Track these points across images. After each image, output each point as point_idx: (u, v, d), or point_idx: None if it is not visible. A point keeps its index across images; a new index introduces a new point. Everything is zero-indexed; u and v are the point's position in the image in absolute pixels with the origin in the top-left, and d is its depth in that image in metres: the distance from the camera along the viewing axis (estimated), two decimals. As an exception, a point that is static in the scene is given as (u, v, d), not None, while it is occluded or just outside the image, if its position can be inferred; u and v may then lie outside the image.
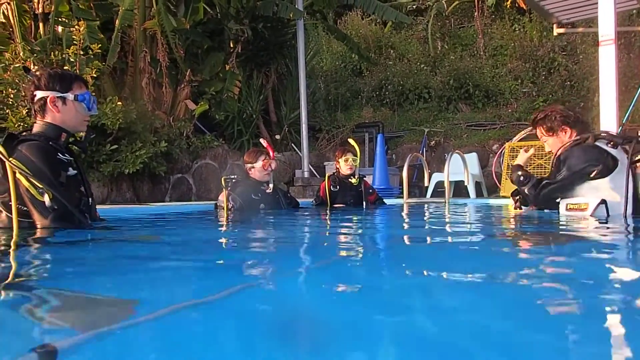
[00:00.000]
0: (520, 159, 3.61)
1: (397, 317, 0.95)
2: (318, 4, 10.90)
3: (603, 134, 3.11)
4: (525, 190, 3.32)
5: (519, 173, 3.38)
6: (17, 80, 6.38)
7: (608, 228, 2.57)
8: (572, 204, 3.10)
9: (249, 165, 4.50)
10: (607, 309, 0.96)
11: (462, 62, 11.55)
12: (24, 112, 6.16)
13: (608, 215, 2.98)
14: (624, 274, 1.35)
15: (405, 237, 2.64)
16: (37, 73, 2.50)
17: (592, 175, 3.01)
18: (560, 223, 2.85)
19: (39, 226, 2.23)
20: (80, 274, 1.48)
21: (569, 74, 10.56)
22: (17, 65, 6.46)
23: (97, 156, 6.91)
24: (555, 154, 3.26)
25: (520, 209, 3.74)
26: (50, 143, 2.37)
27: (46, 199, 2.17)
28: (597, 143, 3.05)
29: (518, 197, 3.73)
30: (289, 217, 4.04)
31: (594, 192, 3.03)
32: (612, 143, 3.00)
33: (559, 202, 3.26)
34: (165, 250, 2.09)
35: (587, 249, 1.91)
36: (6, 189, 2.19)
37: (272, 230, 3.15)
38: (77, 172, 2.46)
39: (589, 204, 3.02)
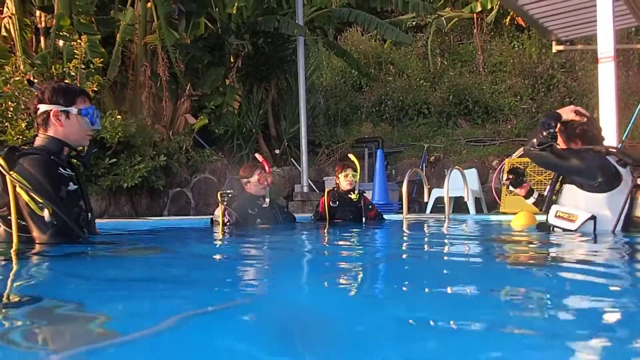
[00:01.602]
0: (566, 113, 3.06)
1: (392, 329, 0.93)
2: (319, 20, 10.98)
3: (615, 151, 3.06)
4: (541, 135, 2.91)
5: (553, 125, 2.94)
6: (16, 94, 6.39)
7: (606, 247, 2.55)
8: (562, 212, 3.02)
9: (245, 179, 4.49)
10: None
11: (462, 78, 11.60)
12: (23, 125, 6.16)
13: (595, 231, 2.93)
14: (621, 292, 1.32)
15: (404, 254, 2.62)
16: (41, 86, 2.48)
17: (593, 184, 2.92)
18: (559, 242, 2.82)
19: (37, 241, 2.20)
20: (76, 290, 1.47)
21: (568, 90, 10.60)
22: (17, 78, 6.47)
23: (96, 170, 6.90)
24: None
25: (509, 187, 3.64)
26: (52, 157, 2.35)
27: (46, 213, 2.15)
28: (607, 157, 3.00)
29: (512, 177, 3.56)
30: (285, 232, 4.02)
31: (588, 202, 2.96)
32: (622, 162, 2.96)
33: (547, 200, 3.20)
34: (161, 266, 2.08)
35: (585, 268, 1.89)
36: (5, 202, 2.17)
37: (268, 245, 3.13)
38: (77, 187, 2.44)
39: (579, 216, 2.95)
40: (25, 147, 2.39)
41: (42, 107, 2.41)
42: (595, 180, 2.92)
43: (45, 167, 2.27)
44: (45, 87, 2.46)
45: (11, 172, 2.13)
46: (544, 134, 2.90)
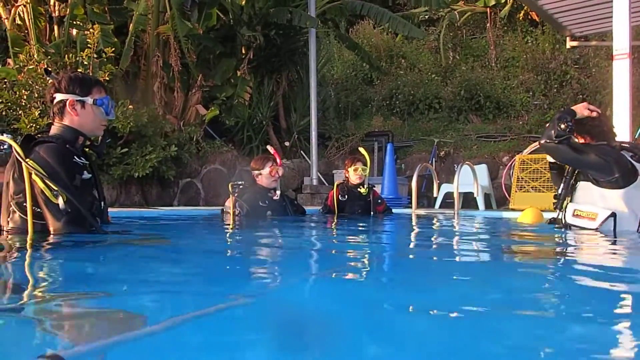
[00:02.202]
0: (580, 110, 3.03)
1: (401, 323, 0.94)
2: (330, 12, 10.93)
3: (629, 145, 3.02)
4: (559, 127, 2.88)
5: (569, 122, 2.89)
6: (30, 82, 6.44)
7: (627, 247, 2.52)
8: (580, 211, 2.96)
9: (256, 171, 4.49)
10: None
11: (474, 73, 11.52)
12: (37, 113, 6.21)
13: (615, 230, 2.87)
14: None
15: (411, 249, 2.62)
16: (58, 76, 2.51)
17: (610, 179, 2.87)
18: (569, 240, 2.81)
19: (51, 228, 2.24)
20: (89, 280, 1.48)
21: (581, 87, 10.49)
22: (30, 67, 6.53)
23: (107, 159, 6.95)
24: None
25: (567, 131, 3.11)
26: (67, 146, 2.38)
27: (60, 201, 2.18)
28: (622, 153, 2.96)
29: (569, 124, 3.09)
30: (295, 225, 4.04)
31: (603, 200, 2.91)
32: (636, 157, 2.92)
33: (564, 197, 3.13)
34: (173, 257, 2.11)
35: (595, 268, 1.88)
36: (21, 189, 2.21)
37: (278, 238, 3.15)
38: (91, 176, 2.47)
39: (599, 214, 2.88)
40: (41, 136, 2.42)
41: (59, 96, 2.43)
42: (612, 175, 2.86)
43: (61, 155, 2.30)
44: (62, 77, 2.48)
45: (27, 160, 2.16)
46: (562, 126, 2.87)
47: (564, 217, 3.07)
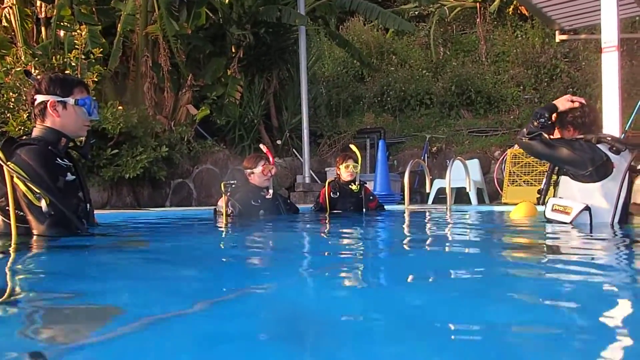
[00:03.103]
0: (562, 104, 3.10)
1: (394, 320, 0.94)
2: (320, 9, 10.91)
3: (607, 138, 3.03)
4: (532, 125, 2.97)
5: (547, 115, 2.98)
6: (18, 84, 6.38)
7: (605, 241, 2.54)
8: (558, 205, 3.00)
9: (249, 170, 4.47)
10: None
11: (464, 68, 11.55)
12: (25, 116, 6.16)
13: (591, 222, 2.90)
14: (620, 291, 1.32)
15: (404, 245, 2.62)
16: (38, 77, 2.48)
17: (584, 173, 2.90)
18: (554, 234, 2.82)
19: (35, 232, 2.21)
20: (75, 281, 1.46)
21: (571, 80, 10.55)
22: (18, 69, 6.46)
23: (98, 161, 6.91)
24: None
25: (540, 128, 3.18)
26: (50, 148, 2.35)
27: (43, 204, 2.15)
28: (598, 145, 2.97)
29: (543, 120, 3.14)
30: (288, 223, 4.02)
31: (582, 194, 2.95)
32: (614, 148, 2.93)
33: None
34: (162, 257, 2.08)
35: (588, 262, 1.89)
36: (3, 193, 2.18)
37: (272, 236, 3.14)
38: (75, 178, 2.43)
39: (573, 208, 2.92)
40: (23, 138, 2.39)
41: (39, 98, 2.40)
42: (585, 169, 2.89)
43: (43, 157, 2.27)
44: (42, 78, 2.45)
45: (8, 163, 2.13)
46: (535, 123, 2.96)
47: (544, 212, 3.09)
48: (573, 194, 2.99)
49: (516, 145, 8.05)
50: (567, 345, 0.81)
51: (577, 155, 2.91)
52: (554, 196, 3.13)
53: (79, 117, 2.47)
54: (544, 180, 3.28)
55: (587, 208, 2.90)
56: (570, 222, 2.91)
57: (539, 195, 3.32)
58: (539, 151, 3.04)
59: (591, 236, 2.64)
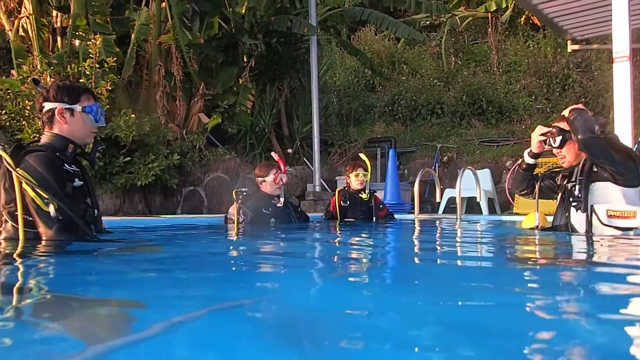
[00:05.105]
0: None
1: (401, 328, 0.94)
2: (332, 19, 10.98)
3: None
4: (597, 128, 2.72)
5: (603, 119, 2.82)
6: (34, 92, 6.48)
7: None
8: (614, 211, 2.83)
9: (260, 179, 4.48)
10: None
11: (476, 77, 11.53)
12: (40, 123, 6.24)
13: None
14: None
15: (413, 254, 2.62)
16: (46, 85, 2.53)
17: (633, 177, 2.78)
18: (573, 243, 2.79)
19: (43, 237, 2.24)
20: (83, 286, 1.48)
21: (584, 90, 10.49)
22: (34, 77, 6.57)
23: (110, 168, 6.98)
24: (582, 165, 3.00)
25: (545, 143, 3.14)
26: (57, 154, 2.39)
27: (51, 209, 2.19)
28: None
29: (549, 132, 3.12)
30: (298, 231, 4.03)
31: (627, 198, 2.81)
32: None
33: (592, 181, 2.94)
34: (171, 263, 2.09)
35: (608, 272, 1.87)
36: (12, 199, 2.22)
37: (282, 244, 3.14)
38: (83, 184, 2.47)
39: (637, 212, 2.76)
40: (32, 145, 2.43)
41: (47, 105, 2.45)
42: (634, 172, 2.78)
43: (50, 163, 2.31)
44: (50, 86, 2.50)
45: (17, 169, 2.17)
46: (600, 121, 2.74)
47: (598, 219, 2.91)
48: (612, 198, 2.86)
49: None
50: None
51: (632, 157, 2.77)
52: (586, 204, 2.93)
53: (86, 124, 2.52)
54: (577, 187, 3.00)
55: None
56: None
57: (575, 204, 3.04)
58: (606, 149, 2.78)
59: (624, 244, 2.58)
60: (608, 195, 2.89)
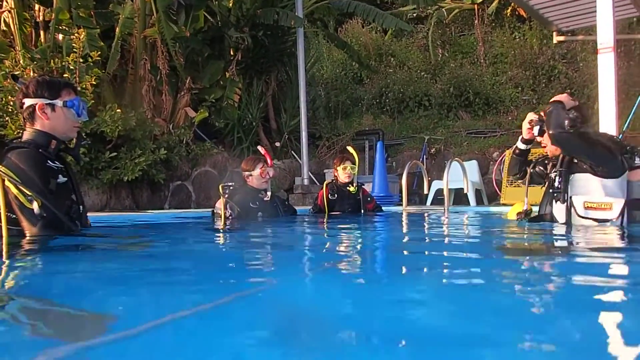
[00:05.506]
0: (567, 101, 2.95)
1: (391, 318, 0.95)
2: (319, 11, 10.95)
3: (606, 135, 3.04)
4: (568, 119, 2.78)
5: (576, 114, 2.82)
6: (16, 88, 6.38)
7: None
8: (591, 203, 2.86)
9: (247, 173, 4.47)
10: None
11: (463, 69, 11.56)
12: (22, 120, 6.16)
13: (624, 217, 2.80)
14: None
15: (401, 245, 2.63)
16: (25, 81, 2.49)
17: (612, 168, 2.81)
18: (558, 233, 2.82)
19: (27, 234, 2.22)
20: (67, 284, 1.47)
21: (569, 81, 10.56)
22: (17, 72, 6.47)
23: (96, 163, 6.92)
24: (563, 156, 3.03)
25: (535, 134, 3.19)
26: (40, 150, 2.36)
27: (35, 206, 2.16)
28: None
29: (531, 120, 3.20)
30: (286, 225, 4.03)
31: (605, 190, 2.83)
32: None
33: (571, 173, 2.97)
34: (158, 259, 2.08)
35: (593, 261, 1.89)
36: None
37: (269, 238, 3.14)
38: (67, 180, 2.44)
39: (613, 204, 2.78)
40: (14, 142, 2.40)
41: (28, 101, 2.42)
42: (616, 163, 2.81)
43: (33, 160, 2.29)
44: (30, 81, 2.47)
45: None
46: (572, 115, 2.78)
47: (575, 211, 2.96)
48: (592, 189, 2.88)
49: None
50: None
51: (609, 149, 2.82)
52: (565, 195, 2.99)
53: (68, 118, 2.48)
54: (557, 179, 3.07)
55: (628, 202, 2.77)
56: (615, 219, 2.80)
57: (556, 195, 3.10)
58: (577, 144, 2.85)
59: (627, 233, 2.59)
60: (588, 186, 2.92)
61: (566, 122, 2.77)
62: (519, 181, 3.65)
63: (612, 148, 2.85)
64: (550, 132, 2.87)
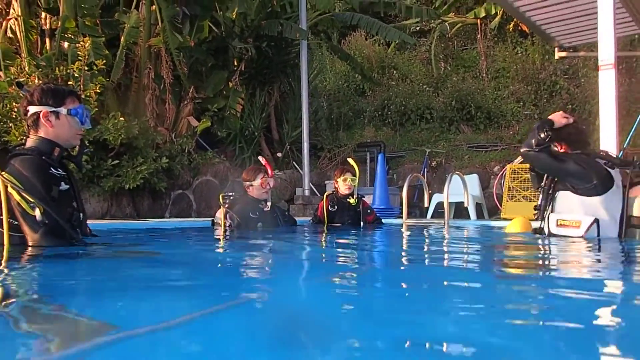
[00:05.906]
0: (558, 120, 3.06)
1: (389, 328, 0.95)
2: (322, 24, 11.02)
3: (602, 154, 3.08)
4: (539, 137, 2.90)
5: (547, 131, 2.92)
6: (21, 95, 6.42)
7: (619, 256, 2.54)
8: (563, 220, 2.98)
9: (247, 183, 4.49)
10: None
11: (465, 83, 11.61)
12: (25, 126, 6.19)
13: (599, 235, 2.90)
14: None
15: (400, 258, 2.63)
16: (30, 88, 2.52)
17: (589, 187, 2.90)
18: (559, 248, 2.83)
19: (29, 240, 2.23)
20: (68, 291, 1.47)
21: (571, 97, 10.60)
22: (22, 79, 6.52)
23: (98, 171, 6.94)
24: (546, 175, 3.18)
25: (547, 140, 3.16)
26: (43, 157, 2.38)
27: (37, 213, 2.17)
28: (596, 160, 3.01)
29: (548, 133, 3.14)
30: (285, 236, 4.04)
31: (583, 208, 2.94)
32: (609, 164, 2.97)
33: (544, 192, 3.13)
34: (157, 267, 2.09)
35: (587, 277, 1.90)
36: None
37: (269, 248, 3.15)
38: (69, 187, 2.46)
39: (582, 222, 2.91)
40: (17, 148, 2.42)
41: (32, 109, 2.44)
42: (591, 182, 2.90)
43: (36, 167, 2.30)
44: (34, 89, 2.49)
45: (2, 173, 2.17)
46: (542, 135, 2.91)
47: (548, 228, 3.09)
48: (574, 208, 2.98)
49: (518, 159, 8.08)
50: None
51: (584, 168, 2.92)
52: (551, 212, 3.13)
53: (72, 126, 2.50)
54: (541, 196, 3.26)
55: (596, 220, 2.89)
56: (582, 236, 2.90)
57: (536, 212, 3.27)
58: (547, 163, 3.01)
59: (600, 250, 2.64)
60: (567, 203, 3.03)
61: (533, 141, 2.92)
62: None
63: (587, 167, 2.91)
64: (521, 150, 3.07)
